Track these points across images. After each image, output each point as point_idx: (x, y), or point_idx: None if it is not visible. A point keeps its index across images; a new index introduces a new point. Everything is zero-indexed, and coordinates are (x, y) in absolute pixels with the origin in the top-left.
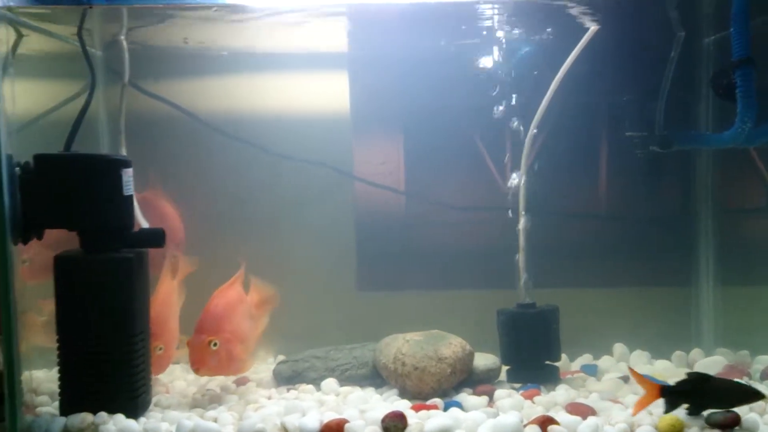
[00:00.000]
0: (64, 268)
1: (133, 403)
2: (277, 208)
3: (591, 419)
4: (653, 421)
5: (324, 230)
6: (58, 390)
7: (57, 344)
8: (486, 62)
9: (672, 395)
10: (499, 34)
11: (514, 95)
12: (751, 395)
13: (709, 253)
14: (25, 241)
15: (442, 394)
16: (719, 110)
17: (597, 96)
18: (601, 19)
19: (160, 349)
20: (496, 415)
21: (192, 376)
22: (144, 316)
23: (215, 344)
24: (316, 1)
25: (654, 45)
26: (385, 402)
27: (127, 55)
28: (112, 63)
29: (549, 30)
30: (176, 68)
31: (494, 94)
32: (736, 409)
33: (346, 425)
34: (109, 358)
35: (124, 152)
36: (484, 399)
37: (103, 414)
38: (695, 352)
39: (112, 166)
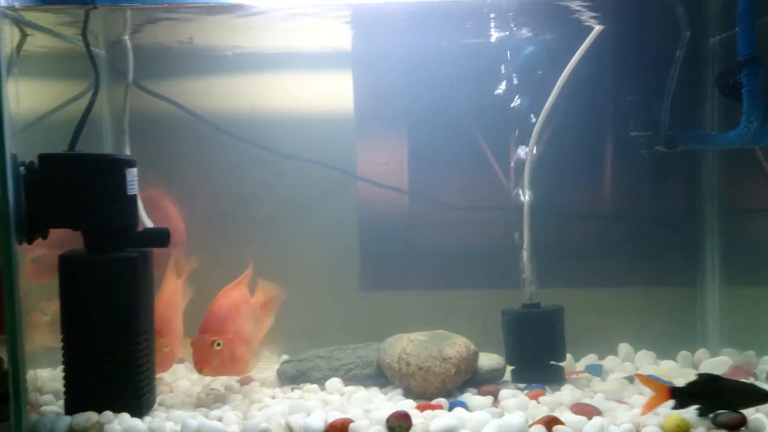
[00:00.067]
0: (68, 267)
1: (138, 403)
2: (280, 208)
3: (596, 419)
4: (659, 422)
5: (327, 230)
6: (63, 389)
7: (62, 343)
8: (490, 61)
9: (682, 397)
10: (504, 33)
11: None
12: (762, 397)
13: (714, 253)
14: (30, 241)
15: (447, 394)
16: (725, 110)
17: (602, 96)
18: (606, 19)
19: (166, 346)
20: (501, 415)
21: (196, 375)
22: (148, 316)
23: (218, 344)
24: (320, 0)
25: (659, 45)
26: (390, 402)
27: (131, 55)
28: (115, 62)
29: (554, 30)
30: (180, 68)
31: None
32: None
33: (351, 425)
34: (113, 358)
35: (128, 152)
36: (489, 399)
37: (108, 413)
38: (701, 353)
39: (117, 166)
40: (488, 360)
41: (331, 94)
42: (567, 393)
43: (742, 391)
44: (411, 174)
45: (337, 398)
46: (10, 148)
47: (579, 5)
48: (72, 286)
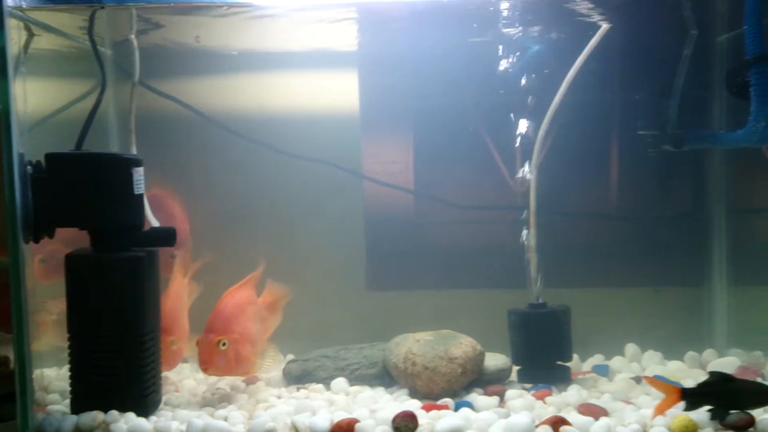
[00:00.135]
0: (74, 266)
1: (144, 402)
2: (286, 208)
3: (603, 420)
4: (666, 422)
5: (333, 230)
6: (69, 388)
7: (68, 343)
8: (497, 60)
9: (692, 397)
10: (511, 32)
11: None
12: None
13: (722, 253)
14: (37, 240)
15: (453, 395)
16: (733, 109)
17: (609, 95)
18: (613, 18)
19: (175, 344)
20: (507, 415)
21: (201, 374)
22: (154, 315)
23: (224, 344)
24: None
25: (666, 43)
26: (396, 402)
27: (137, 54)
28: (121, 62)
29: (560, 28)
30: (186, 67)
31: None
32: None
33: (357, 425)
34: (119, 357)
35: (134, 151)
36: (495, 399)
37: (114, 412)
38: (708, 353)
39: (123, 165)
40: (494, 360)
41: (337, 93)
42: (573, 393)
43: (755, 391)
44: (417, 173)
45: (342, 398)
46: (17, 148)
47: (586, 4)
48: (78, 285)
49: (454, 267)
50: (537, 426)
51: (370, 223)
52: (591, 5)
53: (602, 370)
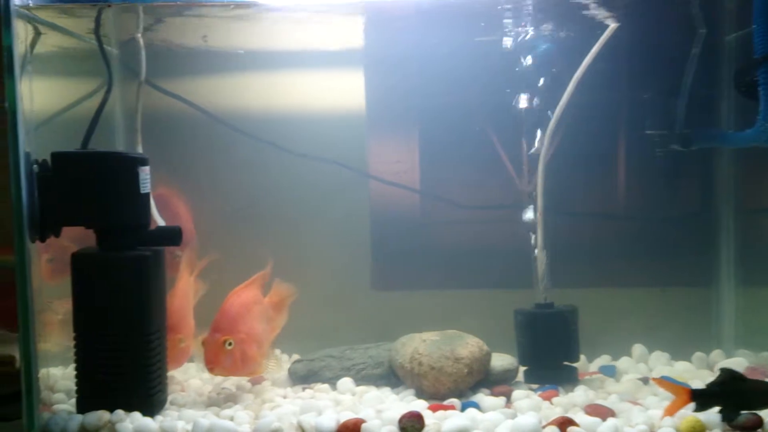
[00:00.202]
0: (80, 265)
1: (150, 401)
2: (291, 207)
3: (611, 421)
4: (674, 423)
5: (339, 229)
6: (75, 388)
7: (74, 342)
8: (505, 59)
9: (702, 398)
10: (518, 30)
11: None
12: None
13: (730, 253)
14: (43, 239)
15: (459, 395)
16: (741, 108)
17: (617, 94)
18: (622, 17)
19: (183, 341)
20: (514, 416)
21: (207, 374)
22: (160, 314)
23: (230, 344)
24: None
25: (675, 42)
26: (402, 402)
27: (143, 53)
28: (128, 61)
29: (568, 27)
30: (193, 66)
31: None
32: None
33: (363, 425)
34: (125, 356)
35: (140, 150)
36: (502, 400)
37: (119, 412)
38: (716, 354)
39: (129, 164)
40: (501, 360)
41: (343, 92)
42: (580, 394)
43: (765, 392)
44: (423, 173)
45: (348, 398)
46: (23, 146)
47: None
48: (84, 284)
49: (461, 267)
50: (544, 427)
51: (375, 223)
52: (599, 4)
53: (609, 371)
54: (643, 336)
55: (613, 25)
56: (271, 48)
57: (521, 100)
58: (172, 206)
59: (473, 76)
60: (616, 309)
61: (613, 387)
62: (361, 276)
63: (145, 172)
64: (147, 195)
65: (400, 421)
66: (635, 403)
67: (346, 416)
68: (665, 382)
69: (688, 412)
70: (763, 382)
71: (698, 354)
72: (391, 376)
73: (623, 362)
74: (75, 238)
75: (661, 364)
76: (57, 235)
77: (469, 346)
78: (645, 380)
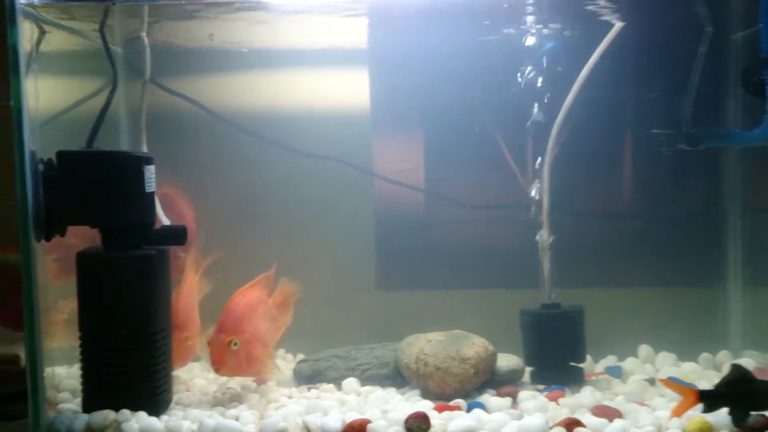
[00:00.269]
0: (86, 265)
1: (155, 401)
2: (296, 206)
3: (618, 422)
4: (682, 424)
5: (343, 229)
6: (80, 387)
7: (79, 341)
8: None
9: (710, 399)
10: (524, 29)
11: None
12: None
13: (737, 253)
14: (48, 238)
15: (465, 395)
16: (749, 107)
17: (623, 93)
18: (628, 16)
19: (189, 339)
20: (520, 416)
21: (212, 374)
22: (166, 314)
23: (235, 344)
24: None
25: (682, 41)
26: (407, 402)
27: (148, 52)
28: (132, 60)
29: (574, 26)
30: (198, 65)
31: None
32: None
33: (369, 425)
34: (130, 356)
35: (145, 149)
36: (508, 400)
37: (125, 411)
38: (723, 354)
39: (135, 163)
40: (507, 361)
41: (347, 91)
42: (587, 395)
43: None
44: (428, 172)
45: (353, 398)
46: (28, 145)
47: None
48: (90, 283)
49: (466, 266)
50: (551, 427)
51: (380, 222)
52: (605, 3)
53: (615, 372)
54: (649, 336)
55: (618, 24)
56: (276, 47)
57: (526, 100)
58: (177, 206)
59: (478, 74)
60: (622, 309)
61: (619, 388)
62: (365, 275)
63: (150, 171)
64: (152, 194)
65: (407, 421)
66: (642, 404)
67: (352, 416)
68: (672, 382)
69: (696, 414)
70: None
71: (705, 355)
72: (397, 377)
73: (629, 363)
74: (81, 237)
75: (667, 364)
76: (62, 234)
77: (474, 346)
78: (652, 381)
